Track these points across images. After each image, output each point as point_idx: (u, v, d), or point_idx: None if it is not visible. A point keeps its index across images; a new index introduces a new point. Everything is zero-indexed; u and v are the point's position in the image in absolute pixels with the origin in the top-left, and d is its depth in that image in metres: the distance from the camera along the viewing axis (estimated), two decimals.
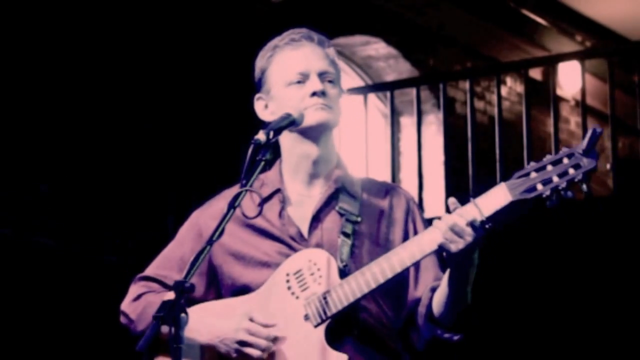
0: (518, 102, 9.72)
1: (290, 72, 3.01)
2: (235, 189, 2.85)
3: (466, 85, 7.83)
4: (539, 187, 2.67)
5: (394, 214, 3.03)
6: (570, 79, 9.94)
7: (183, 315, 2.56)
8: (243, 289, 3.01)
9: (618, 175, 7.09)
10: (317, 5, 7.95)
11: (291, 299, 2.93)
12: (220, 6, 7.29)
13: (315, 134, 3.00)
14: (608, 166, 7.67)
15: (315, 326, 2.88)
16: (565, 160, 2.66)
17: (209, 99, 7.11)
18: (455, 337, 2.89)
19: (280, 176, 3.07)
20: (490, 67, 9.31)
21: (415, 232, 2.98)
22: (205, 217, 3.08)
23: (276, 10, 7.53)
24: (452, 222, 2.72)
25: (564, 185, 2.64)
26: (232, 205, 2.75)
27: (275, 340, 2.91)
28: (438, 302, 2.88)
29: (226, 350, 2.91)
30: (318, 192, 3.04)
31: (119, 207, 6.53)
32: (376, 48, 8.97)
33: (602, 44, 10.50)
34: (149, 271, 3.12)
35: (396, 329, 2.99)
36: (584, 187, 2.66)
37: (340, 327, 2.90)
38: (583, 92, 7.40)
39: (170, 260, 3.10)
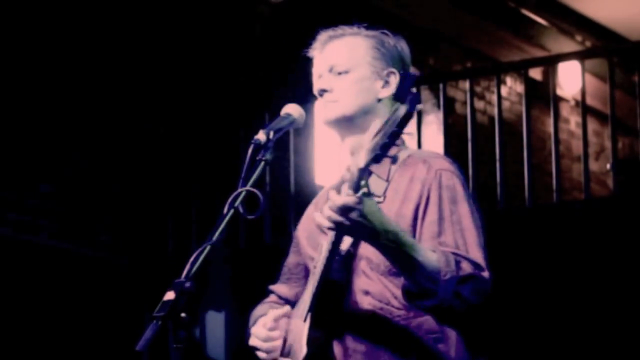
0: (518, 102, 9.73)
1: (314, 80, 3.06)
2: (324, 192, 2.92)
3: (466, 85, 7.82)
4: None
5: (413, 185, 2.88)
6: (570, 79, 9.95)
7: (183, 314, 2.56)
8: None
9: (618, 175, 7.08)
10: (317, 5, 7.95)
11: (308, 293, 2.91)
12: (221, 6, 7.29)
13: (334, 130, 3.01)
14: (608, 166, 7.66)
15: (304, 320, 2.87)
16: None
17: (209, 99, 7.11)
18: (427, 303, 2.77)
19: None
20: (490, 67, 9.31)
21: (426, 207, 2.84)
22: (299, 224, 3.12)
23: (276, 10, 7.54)
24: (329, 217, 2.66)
25: (386, 140, 2.56)
26: (232, 205, 2.75)
27: (285, 340, 2.91)
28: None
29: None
30: None
31: (118, 208, 6.53)
32: None
33: (602, 44, 10.50)
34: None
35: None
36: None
37: (331, 316, 2.86)
38: (583, 92, 7.39)
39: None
